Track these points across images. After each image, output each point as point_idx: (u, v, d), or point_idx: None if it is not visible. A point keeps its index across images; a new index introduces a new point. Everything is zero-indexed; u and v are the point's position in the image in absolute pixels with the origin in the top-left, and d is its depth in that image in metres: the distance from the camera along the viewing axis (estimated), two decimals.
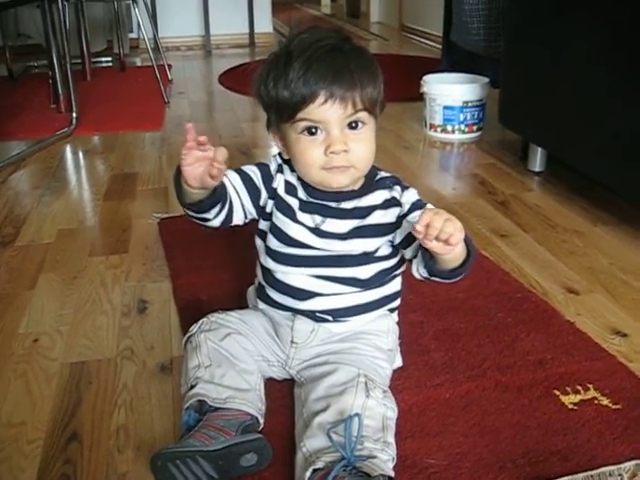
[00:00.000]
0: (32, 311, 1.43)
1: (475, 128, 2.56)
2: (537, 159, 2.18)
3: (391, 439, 0.95)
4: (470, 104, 2.51)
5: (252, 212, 1.13)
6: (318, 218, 1.09)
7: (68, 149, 2.59)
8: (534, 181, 2.15)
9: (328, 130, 1.00)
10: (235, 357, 1.07)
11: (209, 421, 0.96)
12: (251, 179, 1.11)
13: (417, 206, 1.07)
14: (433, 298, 1.42)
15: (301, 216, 1.09)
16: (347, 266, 1.10)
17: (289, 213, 1.10)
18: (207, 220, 1.10)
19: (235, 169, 1.12)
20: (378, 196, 1.09)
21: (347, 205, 1.09)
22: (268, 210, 1.12)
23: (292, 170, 1.10)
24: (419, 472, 0.97)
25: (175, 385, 1.18)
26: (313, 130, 1.00)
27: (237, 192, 1.10)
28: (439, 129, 2.56)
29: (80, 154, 2.56)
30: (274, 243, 1.12)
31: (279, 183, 1.11)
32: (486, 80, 2.55)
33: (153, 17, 4.39)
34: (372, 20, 6.16)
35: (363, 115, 1.01)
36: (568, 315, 1.39)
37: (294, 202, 1.10)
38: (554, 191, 2.06)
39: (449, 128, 2.55)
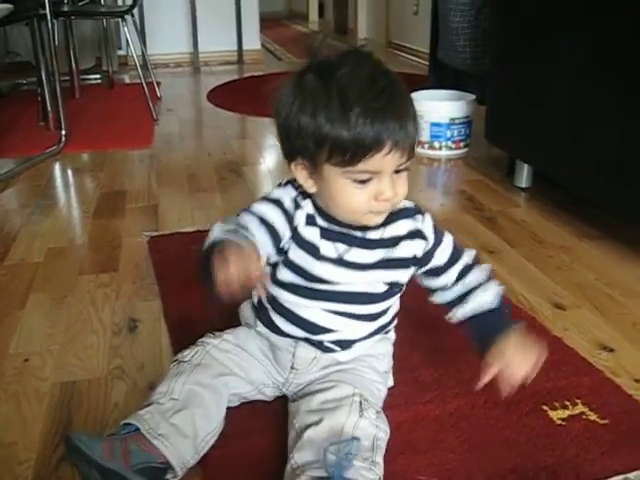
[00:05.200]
0: (22, 331, 1.43)
1: (462, 145, 2.59)
2: (523, 175, 2.20)
3: (380, 459, 0.95)
4: (457, 121, 2.53)
5: (271, 256, 1.06)
6: (342, 247, 1.04)
7: (57, 167, 2.60)
8: (521, 197, 2.18)
9: (381, 178, 0.95)
10: (206, 403, 1.02)
11: (129, 438, 0.94)
12: (274, 228, 1.02)
13: (454, 258, 1.11)
14: (422, 315, 1.43)
15: (324, 247, 1.04)
16: (367, 303, 1.08)
17: (312, 250, 1.04)
18: None
19: (254, 213, 1.03)
20: (402, 226, 1.07)
21: (373, 235, 1.05)
22: (285, 247, 1.05)
23: (305, 197, 1.04)
24: None
25: None
26: (365, 179, 0.95)
27: (262, 246, 1.00)
28: (426, 145, 2.59)
29: (69, 172, 2.57)
30: (288, 276, 1.06)
31: (299, 220, 1.04)
32: (472, 97, 2.58)
33: (142, 34, 4.41)
34: (360, 36, 6.20)
35: (409, 160, 0.97)
36: (555, 330, 1.40)
37: (314, 232, 1.03)
38: (540, 207, 2.08)
39: (436, 145, 2.57)
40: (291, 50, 5.72)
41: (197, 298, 1.50)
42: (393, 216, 1.05)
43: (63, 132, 2.79)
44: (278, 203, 1.04)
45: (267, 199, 1.05)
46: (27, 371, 1.29)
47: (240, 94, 3.87)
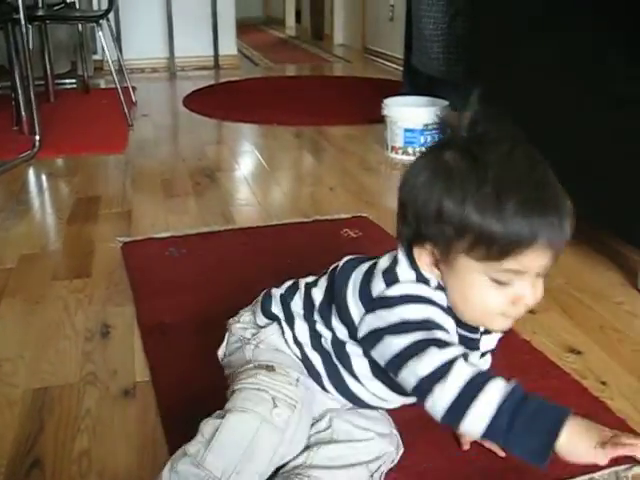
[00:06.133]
0: None
1: None
2: None
3: None
4: (431, 127, 2.56)
5: None
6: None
7: (31, 172, 2.58)
8: None
9: (524, 279, 0.84)
10: None
11: None
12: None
13: None
14: None
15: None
16: None
17: None
18: None
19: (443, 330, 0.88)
20: (494, 338, 1.02)
21: (477, 335, 0.97)
22: None
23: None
24: None
25: (139, 409, 1.19)
26: (505, 281, 0.84)
27: None
28: (400, 151, 2.61)
29: (43, 177, 2.56)
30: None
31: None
32: (446, 103, 2.61)
33: (117, 39, 4.40)
34: (336, 42, 6.25)
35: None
36: (525, 334, 1.43)
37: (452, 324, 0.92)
38: None
39: (410, 150, 2.59)
40: (268, 55, 5.74)
41: (170, 303, 1.51)
42: None
43: (37, 137, 2.77)
44: (437, 305, 0.89)
45: (433, 303, 0.89)
46: None
47: (216, 99, 3.88)
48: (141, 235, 1.91)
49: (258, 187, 2.45)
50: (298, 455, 0.93)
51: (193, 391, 1.20)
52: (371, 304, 0.91)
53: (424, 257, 0.88)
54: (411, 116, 2.56)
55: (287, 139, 3.04)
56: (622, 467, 1.07)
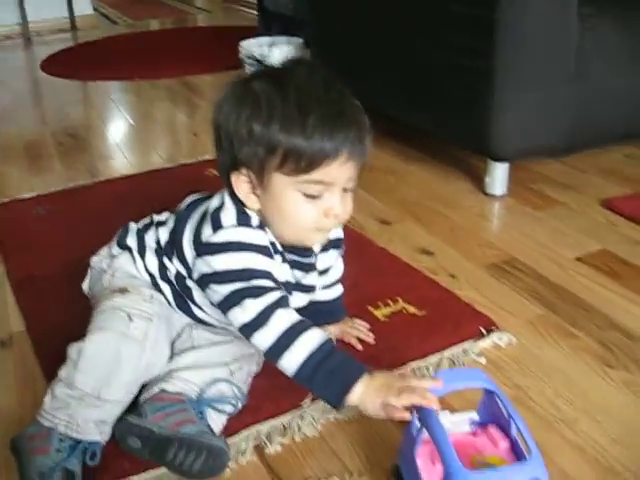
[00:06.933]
0: None
1: None
2: None
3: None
4: None
5: None
6: (299, 273, 1.04)
7: None
8: None
9: (332, 192, 0.92)
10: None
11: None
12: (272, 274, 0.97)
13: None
14: None
15: (288, 274, 1.02)
16: None
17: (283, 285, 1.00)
18: None
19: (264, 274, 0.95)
20: (332, 255, 1.11)
21: (312, 259, 1.05)
22: None
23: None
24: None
25: (17, 357, 1.22)
26: (315, 195, 0.92)
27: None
28: None
29: None
30: None
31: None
32: (300, 41, 2.67)
33: None
34: None
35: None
36: (381, 242, 1.54)
37: (278, 258, 1.00)
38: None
39: None
40: (127, 13, 5.59)
41: (38, 257, 1.53)
42: (327, 246, 1.07)
43: None
44: (264, 251, 0.96)
45: (252, 248, 0.95)
46: None
47: (76, 61, 3.78)
48: (7, 197, 1.89)
49: (123, 141, 2.46)
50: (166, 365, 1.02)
51: (67, 334, 1.21)
52: (199, 249, 0.99)
53: (241, 184, 0.95)
54: (267, 55, 2.60)
55: (150, 92, 3.03)
56: (468, 342, 1.20)
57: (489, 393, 0.89)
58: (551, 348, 1.19)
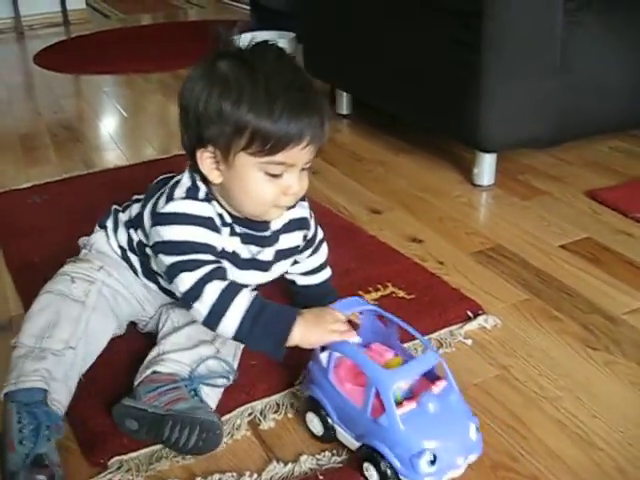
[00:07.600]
0: None
1: None
2: (343, 103, 2.36)
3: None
4: None
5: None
6: (255, 248, 1.08)
7: None
8: (342, 123, 2.34)
9: (292, 172, 0.98)
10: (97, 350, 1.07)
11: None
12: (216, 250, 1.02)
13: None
14: None
15: (244, 252, 1.07)
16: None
17: (232, 258, 1.05)
18: None
19: (201, 246, 1.00)
20: (297, 236, 1.14)
21: (267, 232, 1.09)
22: None
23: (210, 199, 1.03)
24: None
25: None
26: (277, 174, 0.97)
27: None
28: None
29: None
30: None
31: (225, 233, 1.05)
32: (292, 35, 2.70)
33: None
34: None
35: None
36: (371, 231, 1.57)
37: (226, 231, 1.04)
38: (361, 130, 2.25)
39: None
40: (119, 7, 5.61)
41: (37, 243, 1.56)
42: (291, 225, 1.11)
43: None
44: (207, 223, 1.01)
45: (195, 220, 1.00)
46: None
47: (68, 55, 3.80)
48: (3, 188, 1.92)
49: (116, 133, 2.49)
50: (152, 349, 1.07)
51: None
52: (153, 219, 1.05)
53: (206, 160, 0.99)
54: None
55: (143, 85, 3.06)
56: (455, 326, 1.24)
57: (369, 316, 1.04)
58: (535, 331, 1.23)
